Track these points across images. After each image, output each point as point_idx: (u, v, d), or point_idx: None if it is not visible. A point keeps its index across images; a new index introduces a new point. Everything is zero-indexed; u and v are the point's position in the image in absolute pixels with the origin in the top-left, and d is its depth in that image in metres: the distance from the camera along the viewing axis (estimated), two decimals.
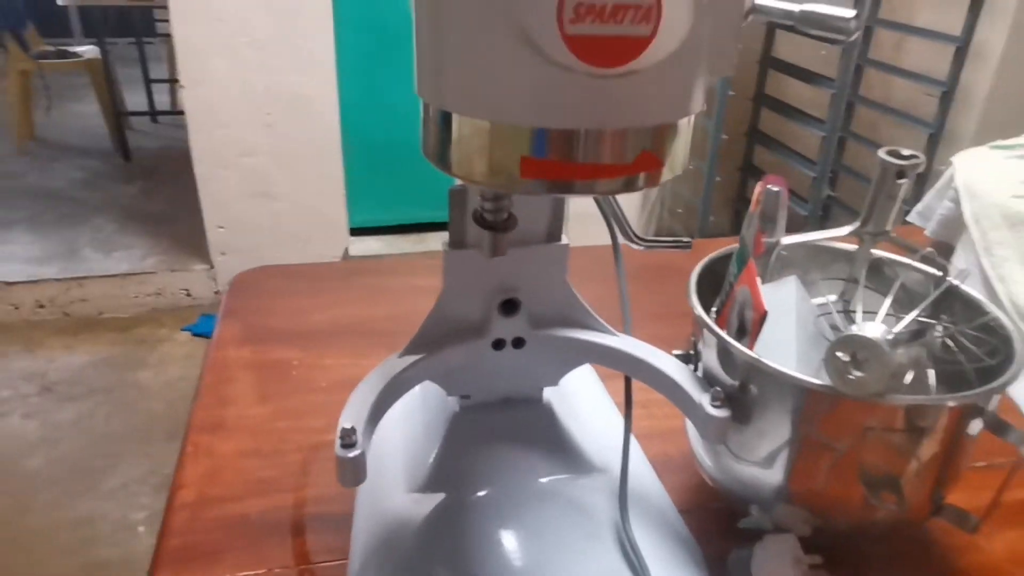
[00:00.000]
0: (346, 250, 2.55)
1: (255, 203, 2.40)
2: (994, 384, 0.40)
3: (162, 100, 4.13)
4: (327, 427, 0.59)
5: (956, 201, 0.86)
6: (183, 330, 2.36)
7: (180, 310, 2.46)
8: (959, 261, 0.83)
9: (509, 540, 0.45)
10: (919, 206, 0.96)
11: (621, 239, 0.48)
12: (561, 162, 0.26)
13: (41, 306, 2.39)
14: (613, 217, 0.46)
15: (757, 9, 0.30)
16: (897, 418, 0.40)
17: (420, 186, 2.64)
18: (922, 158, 0.45)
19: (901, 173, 0.45)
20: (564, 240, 0.47)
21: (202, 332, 2.33)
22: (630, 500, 0.47)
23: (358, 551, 0.45)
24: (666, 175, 0.30)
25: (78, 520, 1.66)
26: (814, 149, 2.39)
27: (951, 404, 0.40)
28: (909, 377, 0.48)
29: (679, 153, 0.29)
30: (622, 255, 0.48)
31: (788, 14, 0.29)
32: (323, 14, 2.24)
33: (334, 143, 2.40)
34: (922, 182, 2.16)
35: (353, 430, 0.38)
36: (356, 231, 2.63)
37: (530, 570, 0.43)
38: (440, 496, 0.48)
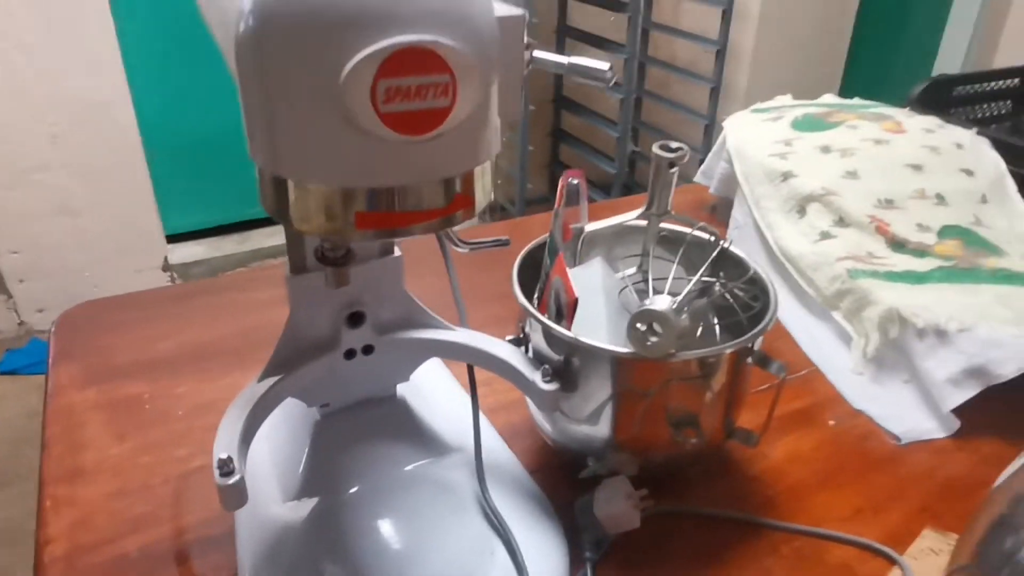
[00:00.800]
0: (165, 259, 2.42)
1: (54, 222, 2.22)
2: (755, 330, 0.50)
3: None
4: (192, 454, 0.61)
5: (730, 161, 0.99)
6: None
7: None
8: (738, 214, 0.97)
9: (385, 528, 0.50)
10: (703, 167, 1.10)
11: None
12: (389, 213, 0.31)
13: None
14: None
15: (535, 61, 0.36)
16: (689, 369, 0.49)
17: (236, 183, 2.55)
18: (687, 149, 0.54)
19: (672, 163, 0.54)
20: (397, 252, 0.52)
21: (11, 368, 2.14)
22: (486, 471, 0.54)
23: (246, 565, 0.49)
24: (479, 206, 0.36)
25: None
26: (615, 110, 2.57)
27: (728, 351, 0.50)
28: (699, 331, 0.58)
29: (486, 185, 0.36)
30: (451, 257, 0.54)
31: (559, 65, 0.35)
32: (100, 11, 2.08)
33: (135, 148, 2.26)
34: (709, 134, 2.39)
35: (230, 459, 0.41)
36: (175, 237, 2.50)
37: (407, 552, 0.49)
38: (314, 500, 0.52)
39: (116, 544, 0.53)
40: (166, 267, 2.43)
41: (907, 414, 0.68)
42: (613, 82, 0.35)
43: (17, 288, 2.24)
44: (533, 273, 0.57)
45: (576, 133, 2.95)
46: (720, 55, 2.37)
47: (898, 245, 0.80)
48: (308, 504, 0.52)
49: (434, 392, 0.62)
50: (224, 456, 0.41)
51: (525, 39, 0.34)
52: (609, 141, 2.64)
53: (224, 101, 2.41)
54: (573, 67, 0.35)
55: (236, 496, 0.41)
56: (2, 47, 2.00)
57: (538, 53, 0.36)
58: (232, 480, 0.40)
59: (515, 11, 0.32)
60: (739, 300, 0.58)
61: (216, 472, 0.41)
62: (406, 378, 0.58)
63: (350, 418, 0.56)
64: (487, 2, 0.32)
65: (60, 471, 0.59)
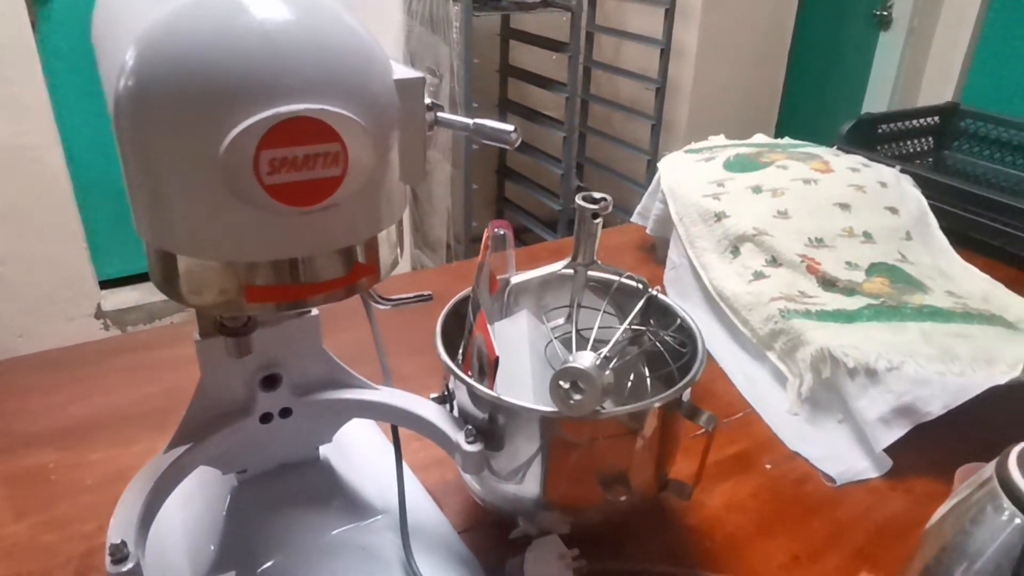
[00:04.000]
0: (99, 306, 2.34)
1: None
2: (682, 383, 0.49)
3: None
4: (100, 529, 0.57)
5: (664, 201, 1.00)
6: None
7: None
8: (673, 254, 0.97)
9: None
10: (639, 207, 1.10)
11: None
12: (283, 286, 0.30)
13: None
14: None
15: (440, 122, 0.35)
16: (616, 426, 0.48)
17: None
18: (609, 200, 0.54)
19: (595, 214, 0.54)
20: (314, 311, 0.50)
21: None
22: (413, 533, 0.52)
23: None
24: (385, 270, 0.34)
25: None
26: (559, 147, 2.59)
27: (656, 405, 0.49)
28: (629, 383, 0.58)
29: (390, 252, 0.34)
30: (375, 314, 0.52)
31: (465, 126, 0.34)
32: (27, 56, 2.02)
33: (65, 193, 2.19)
34: (652, 169, 2.43)
35: (123, 544, 0.38)
36: (108, 283, 2.42)
37: None
38: (236, 572, 0.49)
39: None
40: (99, 314, 2.34)
41: (842, 454, 0.68)
42: (518, 143, 0.34)
43: None
44: (460, 324, 0.56)
45: (521, 170, 2.96)
46: (660, 92, 2.42)
47: (829, 283, 0.81)
48: None
49: (360, 451, 0.60)
50: (117, 541, 0.38)
51: (427, 100, 0.33)
52: (554, 178, 2.66)
53: None
54: (479, 128, 0.34)
55: None
56: None
57: (442, 115, 0.35)
58: (125, 568, 0.38)
59: (414, 74, 0.31)
60: (668, 347, 0.57)
61: (108, 559, 0.38)
62: (329, 439, 0.56)
63: (269, 483, 0.54)
64: (384, 65, 0.30)
65: None
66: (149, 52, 0.28)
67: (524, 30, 2.68)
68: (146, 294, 2.46)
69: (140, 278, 2.50)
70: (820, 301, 0.79)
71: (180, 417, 0.47)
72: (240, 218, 0.28)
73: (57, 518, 0.58)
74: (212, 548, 0.50)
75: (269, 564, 0.50)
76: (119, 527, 0.40)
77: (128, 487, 0.43)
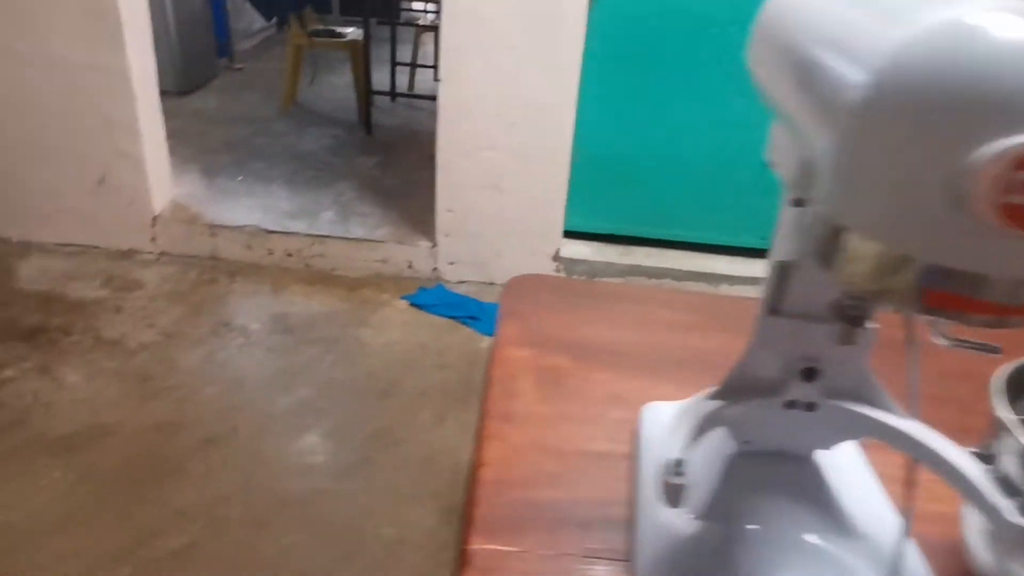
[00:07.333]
0: (557, 251, 2.67)
1: (484, 194, 2.58)
2: None
3: (400, 81, 4.48)
4: (596, 436, 0.67)
5: None
6: (402, 298, 2.59)
7: (400, 279, 2.70)
8: None
9: None
10: None
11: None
12: (966, 298, 0.31)
13: (289, 255, 2.72)
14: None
15: None
16: None
17: (634, 201, 2.71)
18: None
19: None
20: (874, 324, 0.51)
21: (419, 303, 2.55)
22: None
23: (644, 559, 0.53)
24: None
25: (302, 449, 1.90)
26: None
27: None
28: None
29: None
30: (918, 345, 0.51)
31: None
32: (577, 27, 2.35)
33: (564, 149, 2.52)
34: None
35: (681, 461, 0.45)
36: (566, 234, 2.74)
37: None
38: (716, 526, 0.54)
39: (531, 490, 0.61)
40: (556, 257, 2.67)
41: None
42: None
43: (442, 240, 2.66)
44: (1014, 387, 0.52)
45: None
46: None
47: None
48: (710, 528, 0.54)
49: (848, 470, 0.60)
50: (676, 457, 0.45)
51: None
52: None
53: (665, 125, 2.56)
54: None
55: (678, 495, 0.44)
56: (496, 46, 2.37)
57: None
58: (681, 480, 0.44)
59: None
60: None
61: (667, 471, 0.44)
62: (828, 447, 0.57)
63: (764, 463, 0.57)
64: None
65: (498, 410, 0.70)
66: (905, 67, 0.31)
67: None
68: (595, 251, 2.73)
69: (592, 236, 2.77)
70: None
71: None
72: (953, 228, 0.30)
73: (568, 414, 0.70)
74: (707, 497, 0.55)
75: (749, 531, 0.53)
76: (676, 447, 0.46)
77: (678, 419, 0.50)
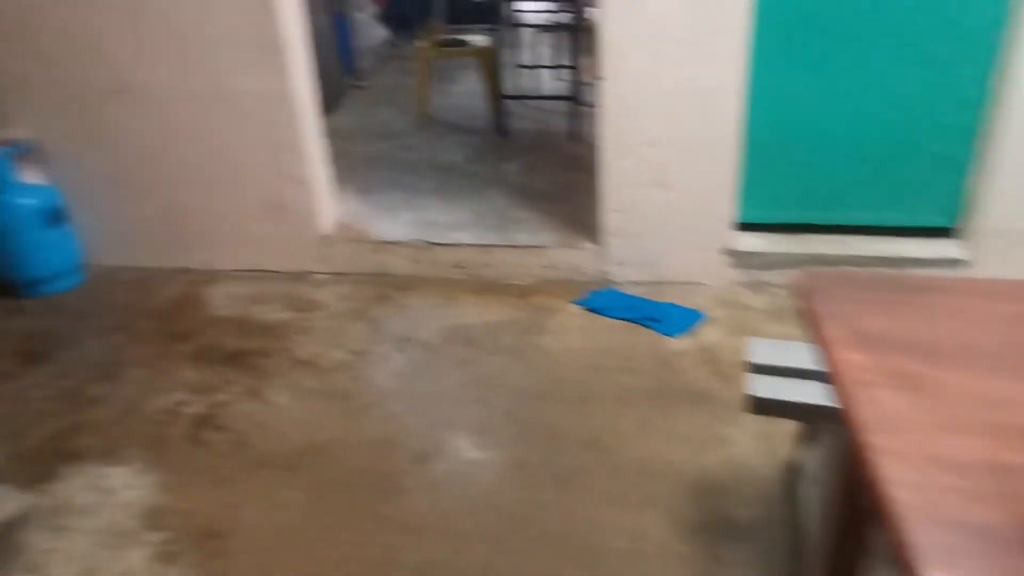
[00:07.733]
0: (730, 245, 2.58)
1: (650, 191, 2.53)
2: None
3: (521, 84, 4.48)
4: (991, 446, 0.62)
5: None
6: (574, 303, 2.57)
7: (569, 284, 2.68)
8: None
9: None
10: None
11: None
12: None
13: (455, 267, 2.75)
14: None
15: None
16: None
17: (807, 186, 2.58)
18: None
19: None
20: None
21: (593, 307, 2.52)
22: None
23: None
24: None
25: (512, 462, 1.90)
26: None
27: None
28: None
29: None
30: None
31: None
32: (741, 9, 2.26)
33: (730, 138, 2.43)
34: None
35: None
36: (736, 227, 2.64)
37: None
38: None
39: (959, 511, 0.56)
40: (728, 252, 2.59)
41: None
42: None
43: (610, 241, 2.62)
44: None
45: None
46: None
47: None
48: None
49: None
50: None
51: None
52: None
53: (838, 102, 2.43)
54: None
55: None
56: (659, 38, 2.31)
57: None
58: None
59: None
60: None
61: None
62: None
63: None
64: None
65: (870, 421, 0.65)
66: None
67: None
68: (769, 243, 2.62)
69: (765, 227, 2.66)
70: None
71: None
72: None
73: (947, 422, 0.65)
74: None
75: None
76: None
77: None
